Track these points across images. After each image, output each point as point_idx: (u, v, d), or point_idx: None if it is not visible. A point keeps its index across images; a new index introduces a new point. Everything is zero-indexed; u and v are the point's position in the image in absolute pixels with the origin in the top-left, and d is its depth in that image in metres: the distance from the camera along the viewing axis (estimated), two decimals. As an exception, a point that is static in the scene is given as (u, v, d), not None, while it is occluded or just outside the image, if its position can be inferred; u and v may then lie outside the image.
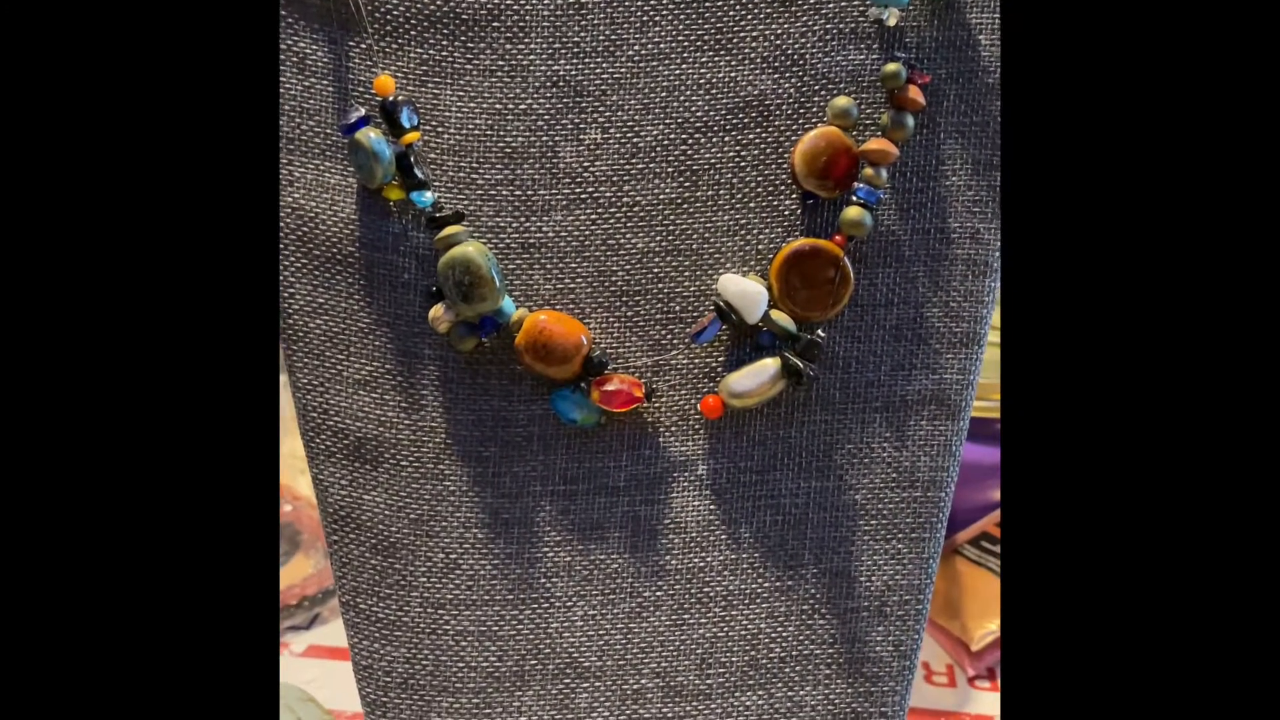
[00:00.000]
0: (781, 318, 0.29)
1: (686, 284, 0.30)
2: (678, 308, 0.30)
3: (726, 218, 0.30)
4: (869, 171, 0.29)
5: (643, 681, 0.31)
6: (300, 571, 0.49)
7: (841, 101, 0.29)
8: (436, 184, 0.30)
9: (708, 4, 0.29)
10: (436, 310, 0.29)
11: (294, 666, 0.45)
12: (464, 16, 0.29)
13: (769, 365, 0.29)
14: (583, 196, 0.30)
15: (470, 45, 0.29)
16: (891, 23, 0.29)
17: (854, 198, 0.29)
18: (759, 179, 0.30)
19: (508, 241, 0.30)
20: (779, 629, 0.31)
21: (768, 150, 0.30)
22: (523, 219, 0.30)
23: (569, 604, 0.31)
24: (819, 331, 0.30)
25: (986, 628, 0.45)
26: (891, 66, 0.29)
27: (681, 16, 0.29)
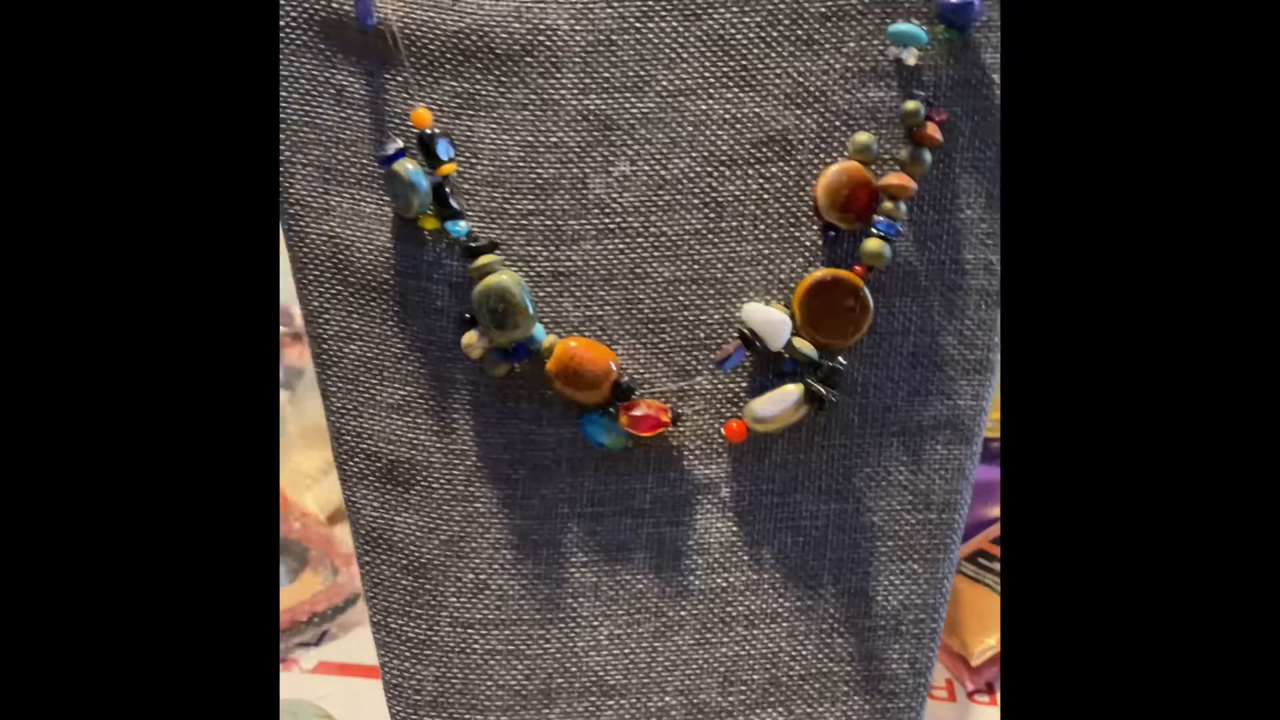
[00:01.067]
0: (804, 345, 0.30)
1: (711, 312, 0.31)
2: (703, 335, 0.31)
3: (750, 248, 0.31)
4: (888, 205, 0.30)
5: (666, 699, 0.32)
6: (309, 588, 0.49)
7: (862, 137, 0.30)
8: (470, 214, 0.30)
9: (733, 42, 0.30)
10: (470, 337, 0.30)
11: (304, 683, 0.46)
12: (498, 51, 0.30)
13: (792, 391, 0.30)
14: (611, 227, 0.31)
15: (504, 79, 0.30)
16: (911, 62, 0.30)
17: (874, 230, 0.30)
18: (782, 211, 0.31)
19: (538, 270, 0.31)
20: (799, 647, 0.32)
21: (790, 183, 0.31)
22: (553, 248, 0.31)
23: (595, 623, 0.32)
24: (840, 358, 0.31)
25: (985, 643, 0.46)
26: (911, 104, 0.30)
27: (708, 54, 0.30)
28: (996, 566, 0.49)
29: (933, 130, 0.30)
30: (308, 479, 0.54)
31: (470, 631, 0.31)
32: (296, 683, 0.46)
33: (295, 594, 0.49)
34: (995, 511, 0.54)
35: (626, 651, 0.32)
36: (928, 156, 0.30)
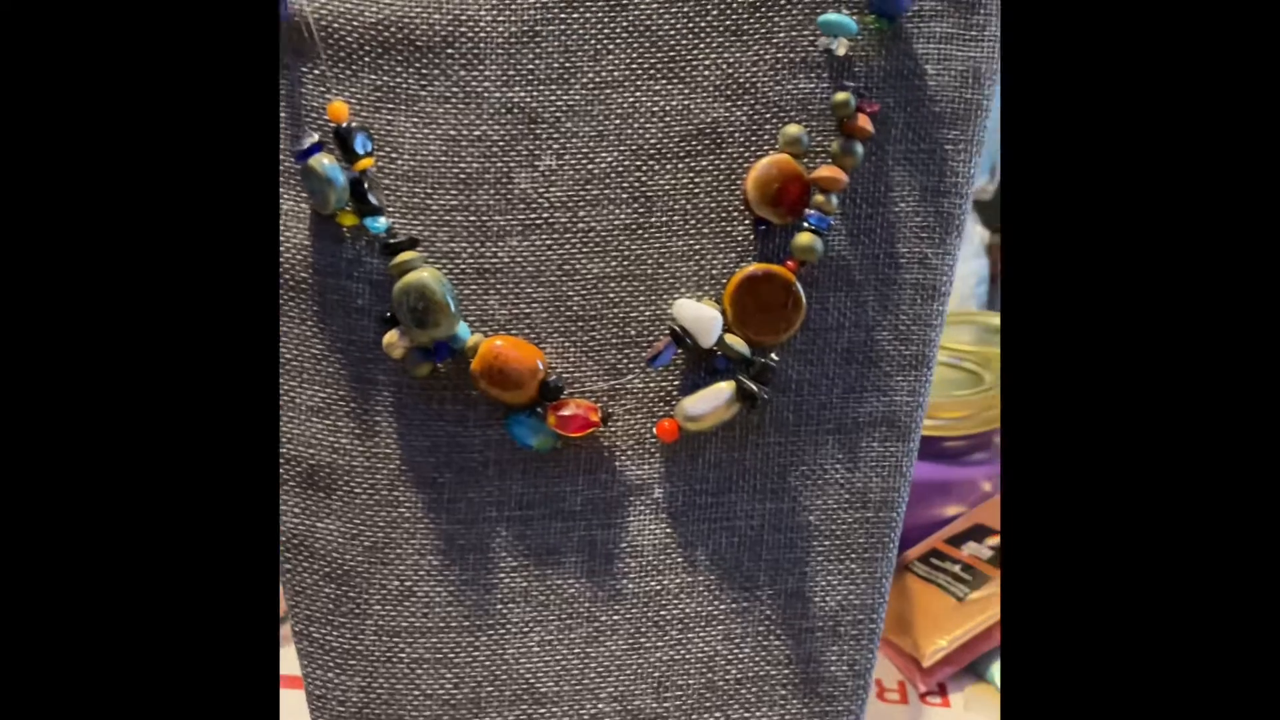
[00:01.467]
0: (736, 342, 0.30)
1: (642, 309, 0.30)
2: (633, 332, 0.30)
3: (681, 243, 0.30)
4: (820, 198, 0.29)
5: (600, 706, 0.31)
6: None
7: (792, 129, 0.29)
8: (390, 210, 0.30)
9: (660, 33, 0.29)
10: (391, 336, 0.29)
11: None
12: (418, 43, 0.29)
13: (723, 389, 0.30)
14: (538, 222, 0.30)
15: (425, 72, 0.29)
16: (840, 52, 0.29)
17: (805, 224, 0.29)
18: (713, 205, 0.30)
19: (463, 267, 0.30)
20: (735, 651, 0.31)
21: (721, 177, 0.30)
22: (478, 244, 0.30)
23: (525, 629, 0.31)
24: (772, 355, 0.30)
25: (937, 644, 0.45)
26: (841, 95, 0.29)
27: (634, 45, 0.30)
28: (949, 566, 0.49)
29: (864, 122, 0.29)
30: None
31: (396, 640, 0.31)
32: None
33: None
34: (950, 511, 0.54)
35: (558, 658, 0.31)
36: (859, 149, 0.29)
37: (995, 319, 0.67)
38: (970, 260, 0.66)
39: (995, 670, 0.46)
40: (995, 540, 0.49)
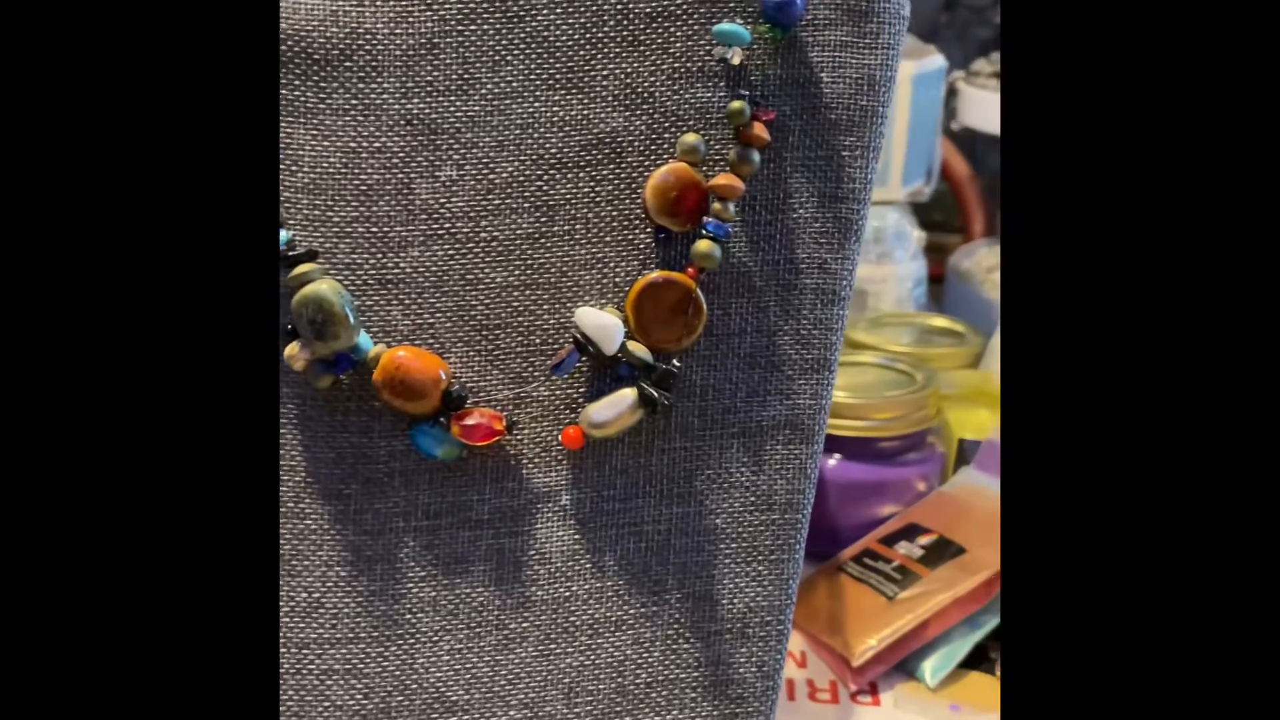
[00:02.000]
0: (638, 348, 0.30)
1: (546, 317, 0.30)
2: (538, 340, 0.31)
3: (584, 252, 0.30)
4: (717, 206, 0.30)
5: (511, 713, 0.31)
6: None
7: (690, 138, 0.30)
8: (291, 222, 0.30)
9: (558, 44, 0.30)
10: (292, 348, 0.29)
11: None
12: (315, 56, 0.29)
13: (627, 395, 0.30)
14: (439, 232, 0.30)
15: (323, 85, 0.29)
16: (736, 61, 0.30)
17: (704, 231, 0.30)
18: (614, 214, 0.30)
19: (364, 278, 0.30)
20: (645, 655, 0.31)
21: (621, 186, 0.30)
22: (379, 255, 0.30)
23: (435, 639, 0.31)
24: (674, 361, 0.30)
25: (867, 643, 0.46)
26: (736, 104, 0.30)
27: (533, 55, 0.30)
28: (882, 566, 0.50)
29: (760, 130, 0.30)
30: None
31: (305, 652, 0.31)
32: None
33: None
34: (885, 511, 0.54)
35: (468, 666, 0.31)
36: (756, 156, 0.30)
37: (935, 320, 0.68)
38: (907, 262, 0.67)
39: (925, 668, 0.47)
40: (926, 539, 0.50)
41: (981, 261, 0.74)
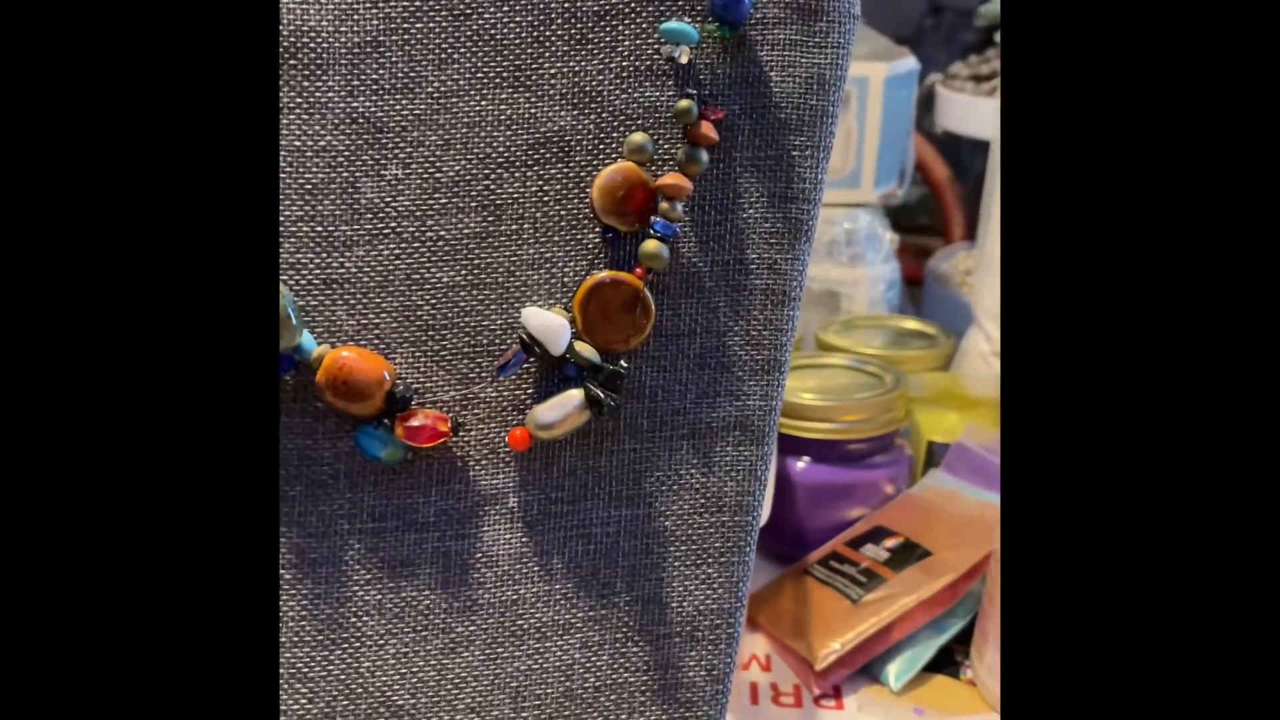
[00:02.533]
0: (585, 349, 0.30)
1: (493, 317, 0.30)
2: (485, 341, 0.30)
3: (531, 251, 0.30)
4: (665, 205, 0.30)
5: (457, 718, 0.31)
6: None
7: (637, 137, 0.30)
8: (234, 221, 0.29)
9: (505, 42, 0.30)
10: (234, 349, 0.29)
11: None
12: (259, 53, 0.29)
13: (574, 396, 0.30)
14: (385, 231, 0.30)
15: (266, 82, 0.29)
16: (683, 60, 0.30)
17: (651, 231, 0.30)
18: (561, 213, 0.30)
19: (309, 278, 0.30)
20: (593, 658, 0.31)
21: (569, 185, 0.30)
22: (324, 255, 0.30)
23: (380, 642, 0.30)
24: (622, 362, 0.30)
25: (831, 646, 0.46)
26: (684, 103, 0.29)
27: (479, 53, 0.30)
28: (848, 569, 0.49)
29: (708, 129, 0.30)
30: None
31: (248, 656, 0.30)
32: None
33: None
34: (853, 514, 0.54)
35: (414, 670, 0.31)
36: (704, 156, 0.30)
37: (907, 322, 0.68)
38: (880, 265, 0.67)
39: (889, 672, 0.46)
40: (892, 542, 0.50)
41: (960, 264, 0.74)
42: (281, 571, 0.30)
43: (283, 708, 0.30)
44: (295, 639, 0.30)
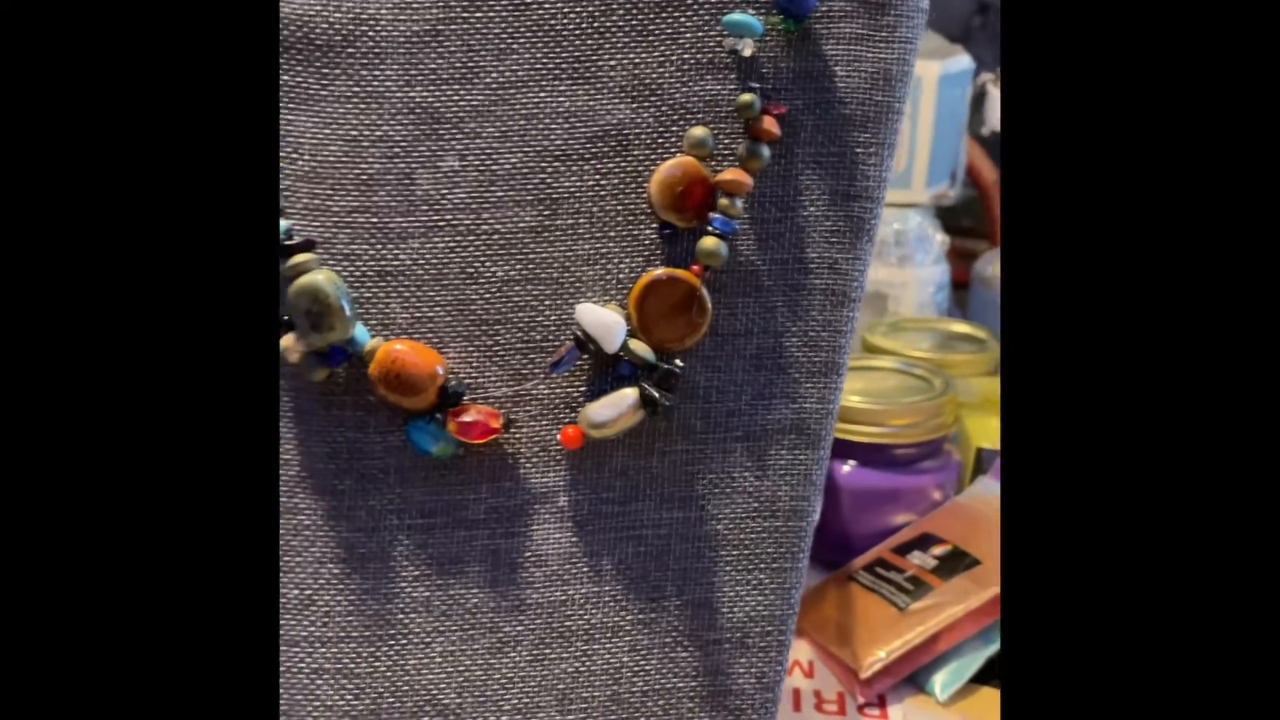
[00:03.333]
0: (640, 347, 0.29)
1: (547, 313, 0.30)
2: (538, 337, 0.30)
3: (586, 246, 0.30)
4: (724, 202, 0.29)
5: (503, 719, 0.30)
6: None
7: (698, 132, 0.29)
8: (289, 210, 0.29)
9: (565, 33, 0.29)
10: (287, 340, 0.29)
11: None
12: (318, 42, 0.29)
13: (628, 395, 0.29)
14: (440, 224, 0.29)
15: (325, 71, 0.29)
16: (747, 53, 0.29)
17: (710, 228, 0.29)
18: (618, 208, 0.30)
19: (363, 269, 0.29)
20: (641, 663, 0.31)
21: (627, 179, 0.29)
22: (378, 246, 0.29)
23: (427, 640, 0.30)
24: (677, 361, 0.29)
25: (876, 654, 0.45)
26: (746, 97, 0.29)
27: (539, 45, 0.29)
28: (894, 576, 0.48)
29: (770, 124, 0.29)
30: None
31: (295, 650, 0.30)
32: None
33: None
34: (899, 519, 0.53)
35: (460, 669, 0.30)
36: (765, 151, 0.29)
37: (956, 326, 0.66)
38: (930, 266, 0.66)
39: (935, 682, 0.46)
40: (940, 550, 0.49)
41: (1006, 267, 0.72)
42: (330, 566, 0.30)
43: (329, 703, 0.30)
44: (342, 634, 0.30)
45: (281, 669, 0.30)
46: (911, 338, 0.64)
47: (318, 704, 0.30)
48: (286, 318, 0.29)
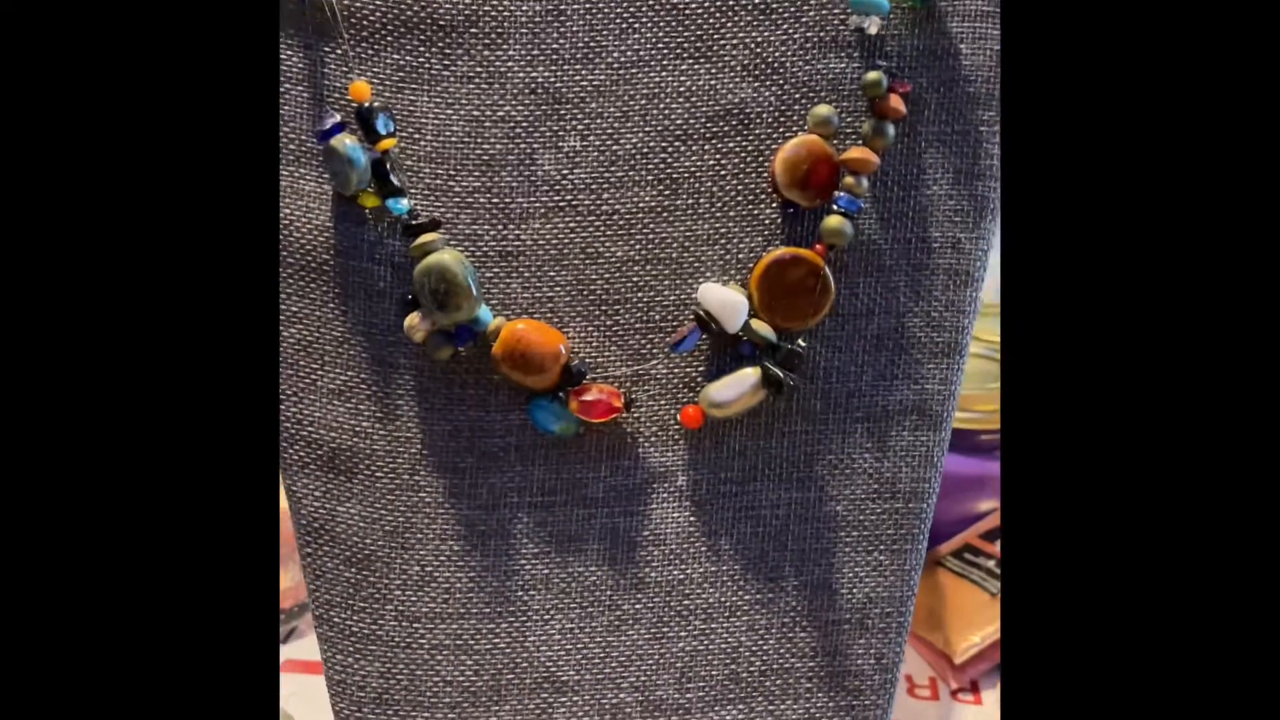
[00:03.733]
0: (762, 327, 0.29)
1: (666, 293, 0.30)
2: (657, 317, 0.30)
3: (706, 226, 0.30)
4: (849, 180, 0.29)
5: (621, 696, 0.31)
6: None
7: (822, 110, 0.29)
8: (413, 191, 0.29)
9: (687, 12, 0.29)
10: (412, 319, 0.29)
11: (269, 681, 0.45)
12: (441, 22, 0.29)
13: (749, 375, 0.29)
14: (561, 204, 0.29)
15: (447, 51, 0.29)
16: (872, 31, 0.29)
17: (835, 207, 0.29)
18: (739, 187, 0.29)
19: (485, 249, 0.29)
20: (759, 642, 0.31)
21: (748, 159, 0.29)
22: (500, 227, 0.29)
23: (546, 617, 0.30)
24: (799, 341, 0.29)
25: (970, 640, 0.45)
26: (873, 75, 0.28)
27: (661, 23, 0.29)
28: (983, 562, 0.48)
29: (896, 102, 0.29)
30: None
31: (416, 625, 0.30)
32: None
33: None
34: (985, 506, 0.53)
35: (579, 646, 0.30)
36: (890, 130, 0.29)
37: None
38: (1008, 251, 0.65)
39: (1029, 668, 0.45)
40: (1030, 536, 0.48)
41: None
42: (450, 543, 0.30)
43: (449, 678, 0.30)
44: (463, 610, 0.30)
45: (403, 644, 0.30)
46: (989, 323, 0.63)
47: (437, 679, 0.30)
48: (410, 296, 0.29)
